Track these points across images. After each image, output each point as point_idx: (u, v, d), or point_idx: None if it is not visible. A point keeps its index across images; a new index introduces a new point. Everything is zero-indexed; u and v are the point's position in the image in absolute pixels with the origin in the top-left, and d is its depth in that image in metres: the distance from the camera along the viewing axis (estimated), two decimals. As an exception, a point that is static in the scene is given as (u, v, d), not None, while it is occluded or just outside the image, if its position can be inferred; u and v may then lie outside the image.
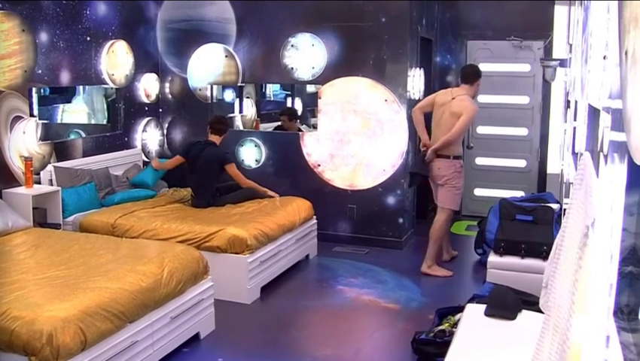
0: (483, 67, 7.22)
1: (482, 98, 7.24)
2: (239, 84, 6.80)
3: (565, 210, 3.52)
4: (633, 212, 1.20)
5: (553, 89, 7.03)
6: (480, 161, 7.45)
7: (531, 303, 3.55)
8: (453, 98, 5.45)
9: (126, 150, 6.45)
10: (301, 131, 6.76)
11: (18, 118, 5.15)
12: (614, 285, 1.25)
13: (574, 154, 3.92)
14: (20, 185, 5.12)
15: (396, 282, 5.41)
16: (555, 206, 5.09)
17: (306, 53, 6.39)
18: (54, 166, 5.43)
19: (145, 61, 6.75)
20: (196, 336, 4.14)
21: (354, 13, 6.20)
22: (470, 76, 5.52)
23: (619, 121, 1.33)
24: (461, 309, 3.91)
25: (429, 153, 5.47)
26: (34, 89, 5.28)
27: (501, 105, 7.29)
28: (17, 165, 5.15)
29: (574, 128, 4.01)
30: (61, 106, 5.91)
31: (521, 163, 7.42)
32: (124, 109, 6.47)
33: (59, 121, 5.90)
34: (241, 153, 6.77)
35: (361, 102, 6.23)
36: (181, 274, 3.90)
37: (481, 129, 7.40)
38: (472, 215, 7.28)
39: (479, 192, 7.48)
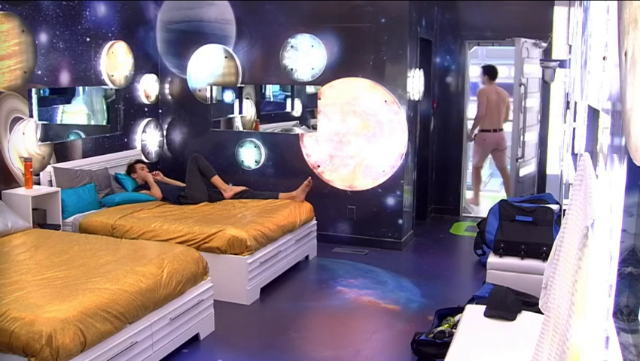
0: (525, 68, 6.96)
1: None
2: (238, 85, 6.80)
3: (564, 211, 3.52)
4: (633, 213, 1.20)
5: (552, 90, 7.02)
6: (522, 172, 6.95)
7: (531, 304, 3.55)
8: (498, 93, 7.62)
9: (126, 151, 6.45)
10: None
11: (18, 119, 5.15)
12: (613, 286, 1.25)
13: (574, 155, 3.93)
14: (20, 186, 5.12)
15: (396, 283, 5.41)
16: (554, 207, 5.10)
17: (305, 54, 6.39)
18: (54, 167, 5.43)
19: (145, 62, 6.76)
20: (196, 337, 4.14)
21: (353, 14, 6.20)
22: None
23: (618, 122, 1.33)
24: (460, 310, 3.91)
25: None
26: (33, 90, 5.28)
27: (529, 109, 7.02)
28: (17, 166, 5.15)
29: (574, 129, 4.01)
30: (60, 107, 5.91)
31: (532, 167, 7.24)
32: (124, 110, 6.47)
33: (58, 122, 5.89)
34: (240, 154, 6.78)
35: (361, 103, 6.23)
36: (181, 275, 3.90)
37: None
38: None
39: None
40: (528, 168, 7.15)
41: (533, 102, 7.09)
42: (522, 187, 7.03)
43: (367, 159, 6.30)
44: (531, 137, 7.20)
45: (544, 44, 6.90)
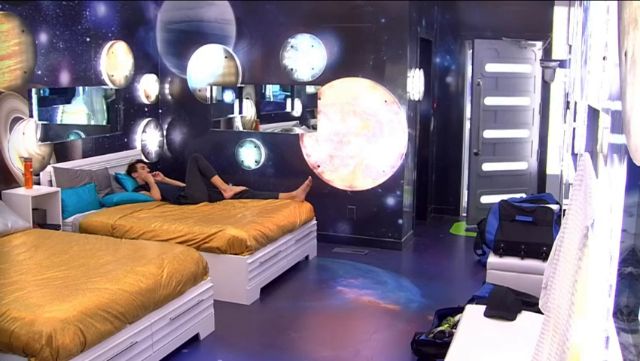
0: (489, 68, 7.14)
1: (488, 101, 7.16)
2: (238, 85, 6.80)
3: (564, 211, 3.52)
4: (633, 213, 1.20)
5: (552, 90, 7.03)
6: (487, 167, 7.28)
7: (531, 304, 3.55)
8: None
9: (126, 151, 6.45)
10: None
11: (18, 119, 5.15)
12: (613, 286, 1.25)
13: (574, 155, 3.93)
14: (20, 186, 5.12)
15: (396, 283, 5.41)
16: (554, 207, 5.10)
17: (305, 54, 6.39)
18: (54, 167, 5.43)
19: (145, 62, 6.76)
20: (196, 337, 4.14)
21: (353, 14, 6.20)
22: None
23: (618, 122, 1.33)
24: (460, 310, 3.91)
25: None
26: (33, 90, 5.28)
27: (505, 107, 7.18)
28: (17, 166, 5.15)
29: (574, 129, 4.01)
30: (60, 107, 5.91)
31: (523, 165, 7.34)
32: (124, 110, 6.47)
33: (58, 122, 5.89)
34: (240, 154, 6.78)
35: (361, 103, 6.23)
36: (181, 275, 3.90)
37: (487, 133, 7.26)
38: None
39: (486, 199, 7.30)
40: (509, 166, 7.29)
41: (525, 101, 7.17)
42: (491, 182, 7.18)
43: (367, 159, 6.30)
44: (524, 135, 7.27)
45: (532, 43, 6.92)
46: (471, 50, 6.99)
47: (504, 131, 7.21)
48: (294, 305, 4.92)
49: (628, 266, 1.21)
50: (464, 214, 7.60)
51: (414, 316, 4.69)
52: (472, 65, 7.05)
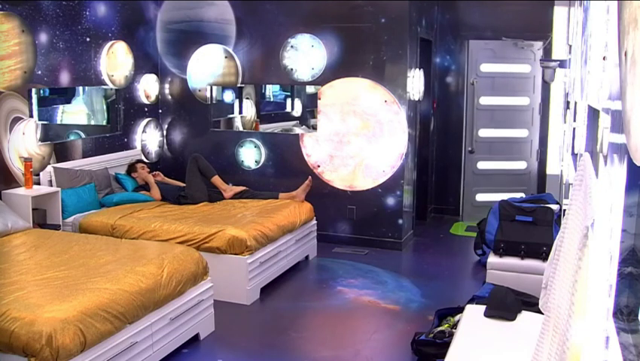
0: (485, 68, 7.24)
1: (483, 100, 7.24)
2: (238, 85, 6.80)
3: (564, 211, 3.52)
4: (633, 213, 1.20)
5: (552, 90, 7.03)
6: (482, 165, 7.37)
7: (531, 304, 3.55)
8: None
9: (126, 151, 6.45)
10: None
11: (18, 119, 5.15)
12: (613, 286, 1.25)
13: (574, 155, 3.92)
14: (20, 186, 5.12)
15: (396, 283, 5.41)
16: (554, 207, 5.10)
17: (305, 54, 6.39)
18: (54, 167, 5.43)
19: (145, 62, 6.76)
20: (196, 337, 4.14)
21: (353, 14, 6.20)
22: None
23: (618, 122, 1.33)
24: (460, 310, 3.91)
25: None
26: (33, 90, 5.28)
27: (501, 107, 7.27)
28: (17, 166, 5.15)
29: (574, 129, 4.01)
30: (60, 107, 5.91)
31: (521, 165, 7.40)
32: (124, 110, 6.47)
33: (58, 122, 5.89)
34: (240, 154, 6.78)
35: (361, 103, 6.23)
36: (181, 275, 3.90)
37: (483, 132, 7.33)
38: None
39: (481, 197, 7.37)
40: (507, 165, 7.37)
41: (524, 101, 7.22)
42: (487, 181, 7.32)
43: (367, 159, 6.30)
44: (523, 134, 7.33)
45: (530, 43, 6.93)
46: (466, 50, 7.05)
47: (501, 130, 7.26)
48: (294, 305, 4.92)
49: (628, 266, 1.21)
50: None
51: (414, 316, 4.69)
52: (467, 64, 7.09)
